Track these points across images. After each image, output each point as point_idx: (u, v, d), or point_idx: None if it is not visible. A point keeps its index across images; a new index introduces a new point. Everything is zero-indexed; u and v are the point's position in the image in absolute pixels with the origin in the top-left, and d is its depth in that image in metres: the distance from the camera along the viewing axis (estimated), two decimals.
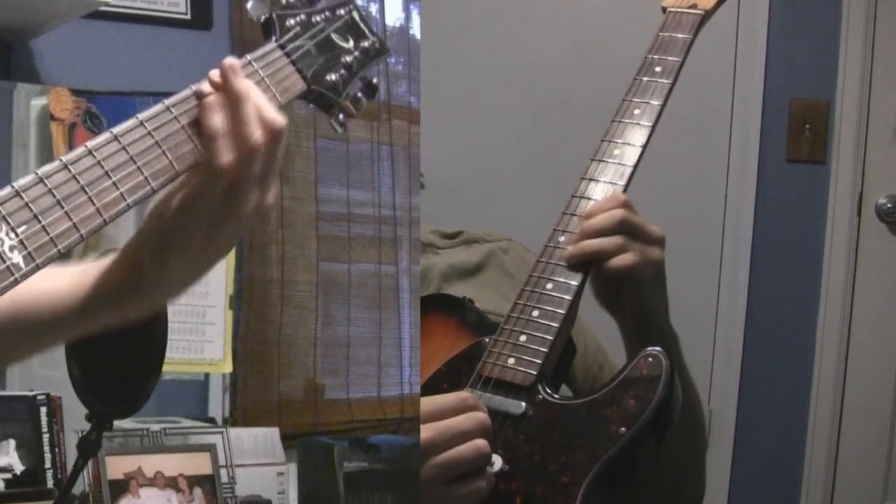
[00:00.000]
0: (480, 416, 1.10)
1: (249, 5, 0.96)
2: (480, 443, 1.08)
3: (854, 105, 2.94)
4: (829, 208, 2.98)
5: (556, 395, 1.17)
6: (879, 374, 2.98)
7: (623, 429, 1.11)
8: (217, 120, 0.84)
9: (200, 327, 2.17)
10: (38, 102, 2.12)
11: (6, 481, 1.90)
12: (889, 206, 2.94)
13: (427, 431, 1.06)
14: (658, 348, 1.15)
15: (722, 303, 3.05)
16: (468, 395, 1.12)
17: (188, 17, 2.32)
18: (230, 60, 0.86)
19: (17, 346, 0.93)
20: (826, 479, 2.97)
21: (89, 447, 1.71)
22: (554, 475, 1.10)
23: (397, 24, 2.69)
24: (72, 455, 1.88)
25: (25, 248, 0.76)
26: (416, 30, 2.71)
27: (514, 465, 1.11)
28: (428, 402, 1.10)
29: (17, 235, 0.75)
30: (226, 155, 0.83)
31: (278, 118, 0.86)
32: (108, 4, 2.04)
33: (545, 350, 1.18)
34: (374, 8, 2.62)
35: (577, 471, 1.10)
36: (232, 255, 2.25)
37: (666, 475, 1.32)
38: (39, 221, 0.77)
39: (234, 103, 0.85)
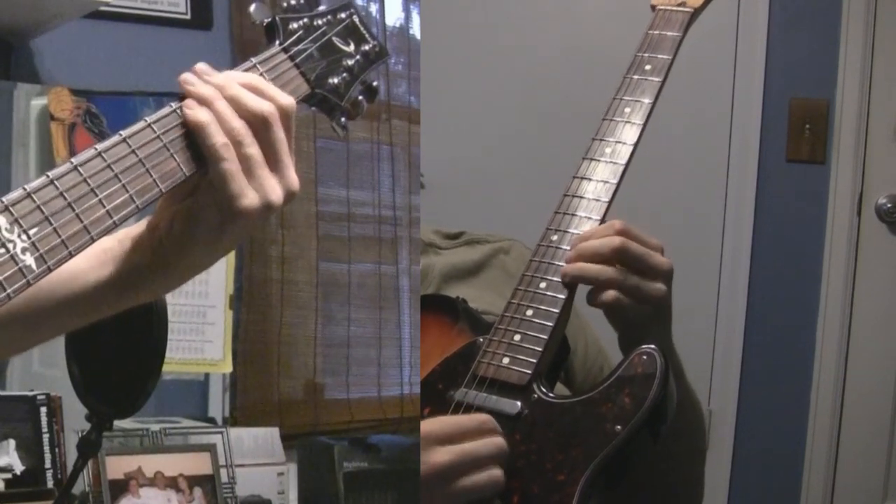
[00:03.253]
0: (498, 441, 1.10)
1: (252, 9, 0.97)
2: (496, 472, 1.08)
3: (854, 105, 2.94)
4: (829, 208, 2.98)
5: (552, 394, 1.17)
6: (879, 374, 2.98)
7: (619, 427, 1.11)
8: (197, 115, 0.86)
9: (200, 327, 2.17)
10: (38, 102, 2.12)
11: (6, 481, 1.90)
12: (889, 206, 2.94)
13: (444, 455, 1.07)
14: (652, 346, 1.15)
15: (722, 303, 3.06)
16: (488, 417, 1.12)
17: (188, 17, 2.33)
18: (184, 76, 0.88)
19: (39, 330, 0.94)
20: (826, 479, 2.97)
21: (89, 447, 1.71)
22: (550, 474, 1.11)
23: (397, 24, 2.70)
24: (72, 455, 1.88)
25: (37, 249, 0.76)
26: (416, 30, 2.72)
27: (511, 464, 1.11)
28: (446, 423, 1.11)
29: (29, 238, 0.76)
30: (220, 138, 0.86)
31: (261, 106, 0.88)
32: (108, 4, 2.04)
33: (540, 349, 1.18)
34: (374, 8, 2.62)
35: (574, 469, 1.10)
36: (232, 255, 2.25)
37: (664, 479, 1.32)
38: (51, 224, 0.77)
39: (207, 105, 0.87)
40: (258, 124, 0.87)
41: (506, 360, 1.18)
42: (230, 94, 0.88)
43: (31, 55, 2.15)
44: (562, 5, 3.12)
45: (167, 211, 0.89)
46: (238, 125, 0.87)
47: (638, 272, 1.21)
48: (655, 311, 1.24)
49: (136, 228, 0.90)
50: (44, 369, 2.05)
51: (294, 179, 0.89)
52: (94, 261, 0.90)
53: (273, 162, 0.88)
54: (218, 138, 0.85)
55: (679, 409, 1.19)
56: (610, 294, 1.20)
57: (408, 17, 2.70)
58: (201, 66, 0.89)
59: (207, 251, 0.89)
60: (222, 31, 2.38)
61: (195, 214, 0.87)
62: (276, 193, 0.87)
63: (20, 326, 0.91)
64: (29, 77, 2.14)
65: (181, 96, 0.88)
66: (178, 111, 0.87)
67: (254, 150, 0.87)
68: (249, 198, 0.86)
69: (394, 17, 2.68)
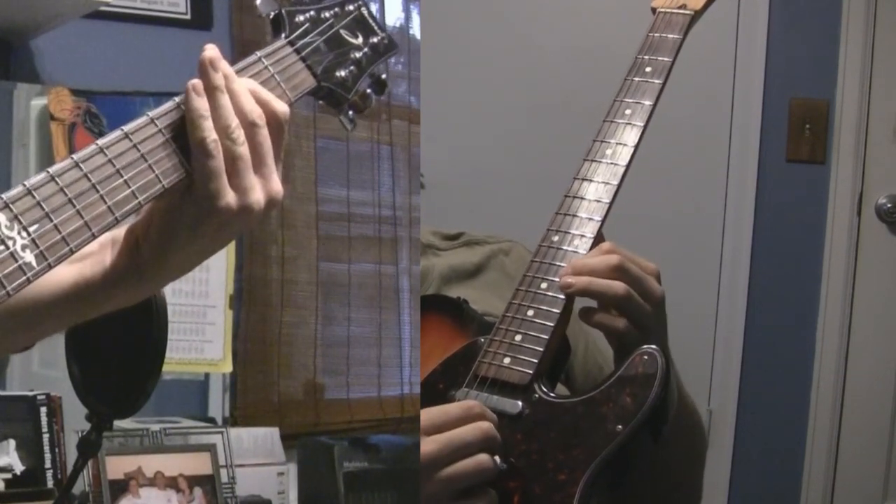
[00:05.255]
0: (484, 426, 1.09)
1: (259, 1, 0.96)
2: (483, 458, 1.08)
3: (854, 105, 2.94)
4: (829, 208, 2.98)
5: (553, 394, 1.17)
6: (879, 374, 2.98)
7: (620, 426, 1.11)
8: (199, 103, 0.85)
9: (200, 327, 2.17)
10: (38, 102, 2.12)
11: (6, 481, 1.90)
12: (889, 206, 2.95)
13: (429, 444, 1.06)
14: (654, 346, 1.16)
15: (722, 303, 3.06)
16: (474, 403, 1.12)
17: (188, 17, 2.33)
18: (208, 54, 0.87)
19: (14, 335, 0.91)
20: (826, 479, 2.98)
21: (89, 447, 1.71)
22: (551, 473, 1.11)
23: (397, 24, 2.69)
24: (72, 455, 1.88)
25: (37, 246, 0.76)
26: (416, 30, 2.71)
27: (512, 463, 1.11)
28: (433, 413, 1.10)
29: (28, 234, 0.75)
30: (211, 133, 0.84)
31: (254, 109, 0.87)
32: (108, 4, 2.04)
33: (541, 349, 1.18)
34: (374, 8, 2.61)
35: (575, 469, 1.10)
36: (232, 255, 2.25)
37: (662, 481, 1.32)
38: (51, 220, 0.77)
39: (209, 94, 0.86)
40: (250, 126, 0.86)
41: (507, 360, 1.18)
42: (232, 89, 0.87)
43: (31, 55, 2.14)
44: (562, 5, 3.12)
45: (145, 218, 0.87)
46: (234, 123, 0.85)
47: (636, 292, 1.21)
48: (645, 337, 1.24)
49: (121, 231, 0.89)
50: (44, 369, 2.05)
51: (278, 186, 0.88)
52: (74, 263, 0.88)
53: (259, 165, 0.87)
54: (209, 133, 0.84)
55: (678, 422, 1.19)
56: (619, 323, 1.20)
57: (408, 17, 2.70)
58: (213, 55, 0.87)
59: (183, 253, 0.87)
60: (222, 31, 2.38)
61: (172, 211, 0.85)
62: (255, 196, 0.86)
63: None
64: (29, 77, 2.14)
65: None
66: (182, 106, 0.86)
67: (243, 149, 0.85)
68: (227, 198, 0.85)
69: (394, 17, 2.68)
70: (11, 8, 1.98)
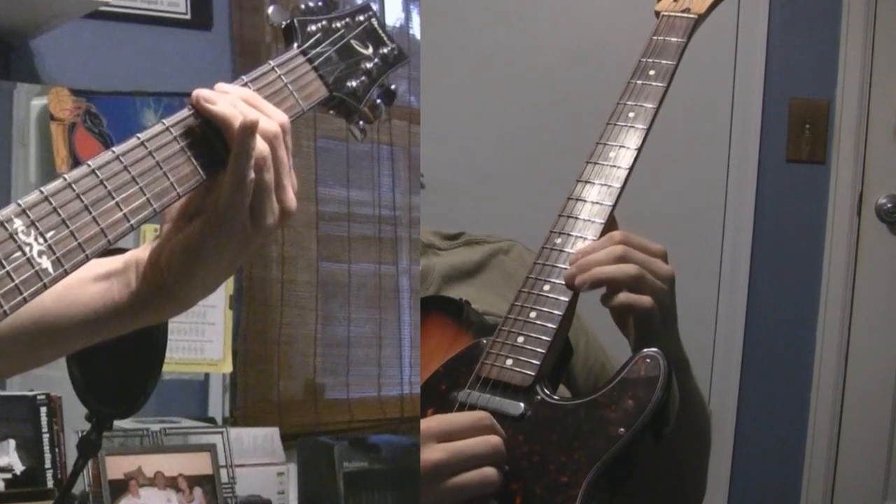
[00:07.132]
0: (494, 440, 1.10)
1: (270, 11, 0.96)
2: (489, 471, 1.08)
3: (854, 105, 2.94)
4: (829, 208, 2.98)
5: (555, 396, 1.17)
6: (879, 374, 2.98)
7: (622, 429, 1.11)
8: (253, 143, 0.84)
9: (200, 327, 2.17)
10: (38, 102, 2.13)
11: (6, 481, 1.90)
12: (889, 206, 2.95)
13: (438, 453, 1.07)
14: (655, 349, 1.16)
15: (722, 303, 3.06)
16: (485, 415, 1.12)
17: (188, 17, 2.33)
18: (199, 91, 0.86)
19: (40, 352, 0.92)
20: (826, 479, 2.98)
21: (89, 447, 1.71)
22: (553, 475, 1.11)
23: (397, 24, 2.70)
24: (72, 455, 1.88)
25: (54, 253, 0.76)
26: (416, 30, 2.71)
27: (514, 465, 1.11)
28: (443, 421, 1.11)
29: (45, 240, 0.76)
30: (251, 172, 0.84)
31: (271, 125, 0.86)
32: (108, 4, 2.04)
33: (543, 351, 1.18)
34: (374, 8, 2.61)
35: (577, 471, 1.10)
36: None
37: (666, 478, 1.32)
38: (67, 226, 0.77)
39: (223, 128, 0.85)
40: (271, 147, 0.86)
41: (509, 362, 1.18)
42: (260, 106, 0.87)
43: (31, 55, 2.15)
44: (562, 5, 3.12)
45: (167, 244, 0.87)
46: (263, 147, 0.85)
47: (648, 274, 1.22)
48: (662, 321, 1.24)
49: (143, 253, 0.89)
50: (44, 369, 2.04)
51: (292, 202, 0.88)
52: (100, 282, 0.89)
53: (277, 183, 0.87)
54: (250, 173, 0.84)
55: (688, 406, 1.19)
56: (644, 300, 1.20)
57: (408, 17, 2.70)
58: (220, 85, 0.87)
59: (205, 273, 0.87)
60: (222, 31, 2.38)
61: (193, 236, 0.86)
62: (273, 217, 0.86)
63: (24, 345, 0.89)
64: (29, 77, 2.14)
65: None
66: (196, 116, 0.85)
67: (269, 176, 0.85)
68: (247, 222, 0.85)
69: (394, 17, 2.68)
70: (11, 8, 1.98)
